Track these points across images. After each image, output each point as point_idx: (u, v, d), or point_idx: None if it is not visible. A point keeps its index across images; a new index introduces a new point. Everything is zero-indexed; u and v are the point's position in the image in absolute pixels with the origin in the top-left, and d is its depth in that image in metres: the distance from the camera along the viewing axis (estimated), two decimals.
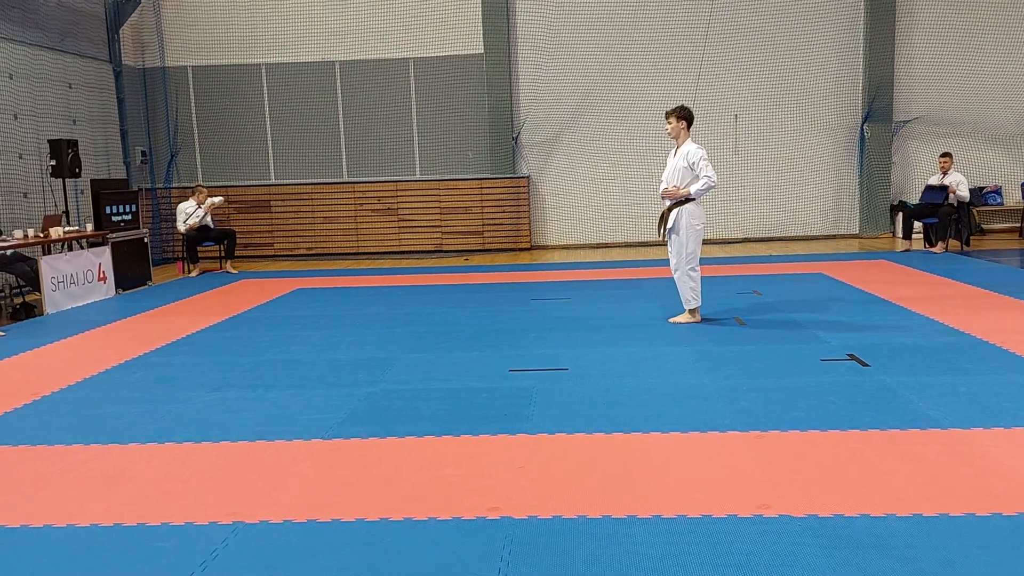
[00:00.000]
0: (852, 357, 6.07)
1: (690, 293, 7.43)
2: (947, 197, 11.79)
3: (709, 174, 7.12)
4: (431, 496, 3.84)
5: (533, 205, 14.61)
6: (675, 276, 7.50)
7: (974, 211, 12.77)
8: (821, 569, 3.04)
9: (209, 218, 12.62)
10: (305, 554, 3.33)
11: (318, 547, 3.38)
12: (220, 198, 12.78)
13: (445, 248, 14.52)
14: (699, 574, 3.05)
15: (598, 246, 14.49)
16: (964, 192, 11.85)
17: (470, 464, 4.23)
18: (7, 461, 4.54)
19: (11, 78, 11.36)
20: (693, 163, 7.15)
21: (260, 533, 3.53)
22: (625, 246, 14.35)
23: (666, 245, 7.55)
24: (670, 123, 7.30)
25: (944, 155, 12.11)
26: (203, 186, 12.93)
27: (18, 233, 9.77)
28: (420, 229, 14.56)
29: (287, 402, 5.47)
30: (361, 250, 14.60)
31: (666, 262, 7.73)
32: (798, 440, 4.40)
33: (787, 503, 3.61)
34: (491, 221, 14.47)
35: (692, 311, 7.51)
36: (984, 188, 13.94)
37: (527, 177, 14.45)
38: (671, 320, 7.59)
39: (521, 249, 14.39)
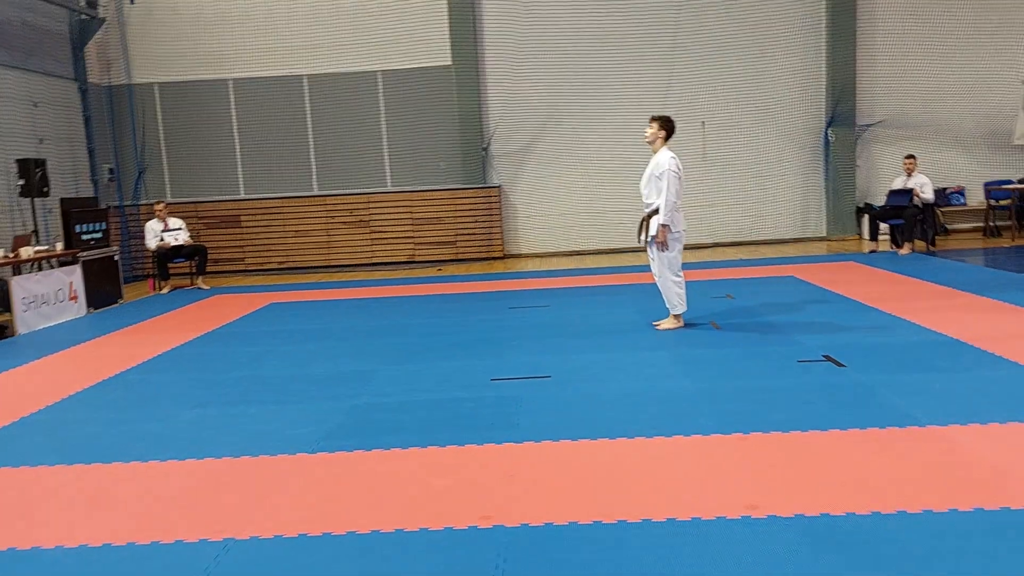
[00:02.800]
0: (828, 358, 6.17)
1: (676, 299, 7.45)
2: (912, 199, 12.01)
3: (668, 194, 7.10)
4: (422, 507, 3.85)
5: (505, 214, 14.65)
6: (658, 282, 7.53)
7: (939, 212, 12.99)
8: (811, 568, 3.10)
9: (184, 235, 12.50)
10: (297, 568, 3.32)
11: (310, 561, 3.38)
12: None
13: (418, 259, 14.51)
14: None
15: (571, 254, 14.55)
16: (928, 194, 12.09)
17: (459, 474, 4.25)
18: None
19: None
20: (659, 175, 7.20)
21: (251, 549, 3.52)
22: (598, 253, 14.42)
23: (646, 251, 7.61)
24: (650, 128, 7.35)
25: (908, 157, 12.35)
26: (161, 201, 12.78)
27: None
28: (392, 240, 14.55)
29: (270, 417, 5.44)
30: (333, 263, 14.55)
31: (641, 268, 7.79)
32: (781, 441, 4.47)
33: (774, 503, 3.66)
34: (464, 231, 14.49)
35: (677, 316, 7.56)
36: (948, 189, 14.21)
37: (499, 187, 14.49)
38: (656, 326, 7.61)
39: (494, 258, 14.42)
